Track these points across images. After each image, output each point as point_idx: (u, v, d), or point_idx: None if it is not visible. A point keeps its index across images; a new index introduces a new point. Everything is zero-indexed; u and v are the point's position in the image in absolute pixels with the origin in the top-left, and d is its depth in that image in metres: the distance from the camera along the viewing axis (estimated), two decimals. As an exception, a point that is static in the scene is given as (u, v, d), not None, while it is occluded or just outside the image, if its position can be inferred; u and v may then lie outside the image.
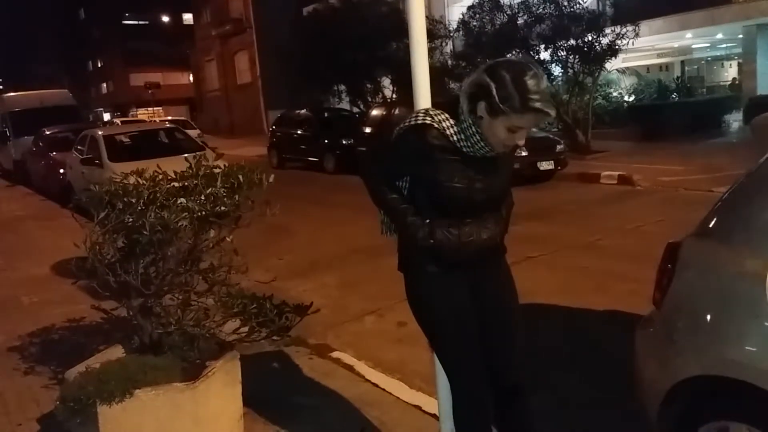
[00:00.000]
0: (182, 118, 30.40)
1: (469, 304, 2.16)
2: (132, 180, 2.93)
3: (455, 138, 1.99)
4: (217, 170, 2.93)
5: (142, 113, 41.59)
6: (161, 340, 2.80)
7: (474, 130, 1.97)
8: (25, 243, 8.29)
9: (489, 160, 2.04)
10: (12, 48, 59.36)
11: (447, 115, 2.01)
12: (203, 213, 2.86)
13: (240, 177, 2.90)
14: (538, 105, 1.85)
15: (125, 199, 2.82)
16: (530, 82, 1.85)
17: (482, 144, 1.98)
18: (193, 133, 18.39)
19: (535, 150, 10.36)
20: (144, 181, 2.91)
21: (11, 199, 13.52)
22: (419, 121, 2.02)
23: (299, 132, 16.04)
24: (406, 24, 2.38)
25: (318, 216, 9.38)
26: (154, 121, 27.75)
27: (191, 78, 44.14)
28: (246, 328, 2.83)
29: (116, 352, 2.85)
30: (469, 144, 1.99)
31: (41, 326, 4.51)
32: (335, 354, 3.84)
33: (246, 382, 2.80)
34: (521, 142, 1.97)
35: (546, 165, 10.41)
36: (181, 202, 2.73)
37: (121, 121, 28.04)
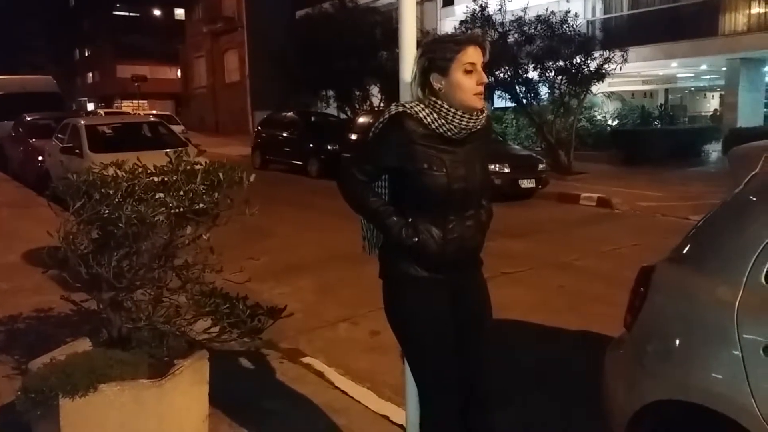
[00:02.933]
0: (167, 113, 30.12)
1: (449, 313, 2.15)
2: (111, 171, 2.89)
3: (429, 120, 2.03)
4: (197, 167, 2.90)
5: (127, 106, 41.21)
6: (130, 335, 2.75)
7: (441, 103, 2.04)
8: (-4, 229, 8.13)
9: (465, 146, 2.08)
10: (-2, 31, 58.55)
11: (417, 102, 2.08)
12: (181, 209, 2.83)
13: (220, 175, 2.88)
14: (467, 35, 2.20)
15: (102, 190, 2.78)
16: (450, 33, 2.26)
17: (454, 112, 2.03)
18: (177, 128, 18.23)
19: (517, 168, 10.45)
20: (123, 173, 2.88)
21: (-14, 183, 13.25)
22: (394, 112, 2.07)
23: (284, 134, 15.99)
24: (398, 34, 2.39)
25: (298, 219, 9.33)
26: (138, 114, 27.46)
27: (179, 73, 43.82)
28: (217, 328, 2.80)
29: (83, 344, 2.80)
30: (444, 120, 2.03)
31: (8, 315, 4.41)
32: (306, 359, 3.81)
33: (214, 382, 2.76)
34: (484, 79, 2.05)
35: (527, 183, 10.50)
36: (159, 197, 2.70)
37: (105, 112, 27.71)
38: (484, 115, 2.10)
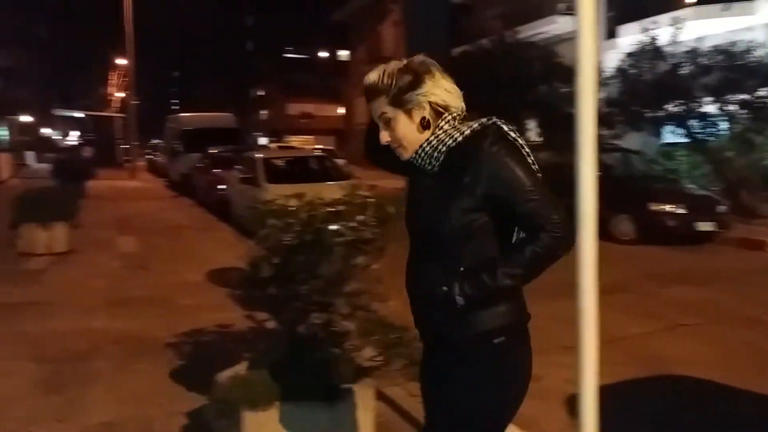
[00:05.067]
0: (330, 147, 32.01)
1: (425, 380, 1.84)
2: (292, 202, 3.12)
3: None
4: (369, 200, 3.05)
5: (294, 140, 44.47)
6: (303, 356, 2.91)
7: None
8: (184, 250, 9.08)
9: (436, 180, 1.70)
10: (187, 74, 66.79)
11: None
12: (354, 239, 2.98)
13: (389, 208, 3.00)
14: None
15: (285, 220, 3.02)
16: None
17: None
18: (339, 162, 19.28)
19: (693, 208, 9.63)
20: (300, 204, 3.10)
21: (176, 208, 14.97)
22: None
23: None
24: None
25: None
26: (305, 148, 29.53)
27: (341, 110, 46.57)
28: (383, 357, 2.87)
29: (262, 361, 3.01)
30: None
31: (194, 328, 4.86)
32: (466, 396, 3.75)
33: (377, 410, 2.83)
34: (382, 138, 1.75)
35: (704, 226, 9.58)
36: (337, 227, 2.87)
37: (278, 146, 30.07)
38: (427, 153, 1.69)
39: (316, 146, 30.92)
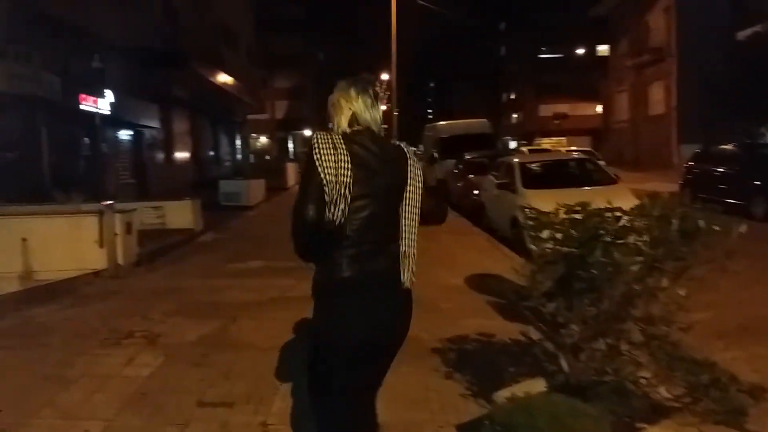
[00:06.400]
0: (587, 148, 30.35)
1: None
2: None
3: None
4: (672, 211, 2.62)
5: (546, 142, 43.34)
6: (588, 386, 2.61)
7: None
8: (442, 253, 9.28)
9: None
10: (441, 83, 69.59)
11: None
12: (651, 256, 2.58)
13: (700, 222, 2.53)
14: None
15: (568, 232, 2.75)
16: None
17: None
18: (602, 164, 18.08)
19: None
20: (585, 214, 2.79)
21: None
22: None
23: (720, 169, 14.12)
24: None
25: (743, 270, 7.94)
26: (558, 150, 28.45)
27: (598, 109, 43.93)
28: (690, 398, 2.42)
29: (539, 384, 2.80)
30: None
31: (457, 334, 4.84)
32: (786, 455, 3.03)
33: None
34: None
35: None
36: (633, 242, 2.51)
37: (529, 150, 29.55)
38: None
39: (572, 147, 29.57)
